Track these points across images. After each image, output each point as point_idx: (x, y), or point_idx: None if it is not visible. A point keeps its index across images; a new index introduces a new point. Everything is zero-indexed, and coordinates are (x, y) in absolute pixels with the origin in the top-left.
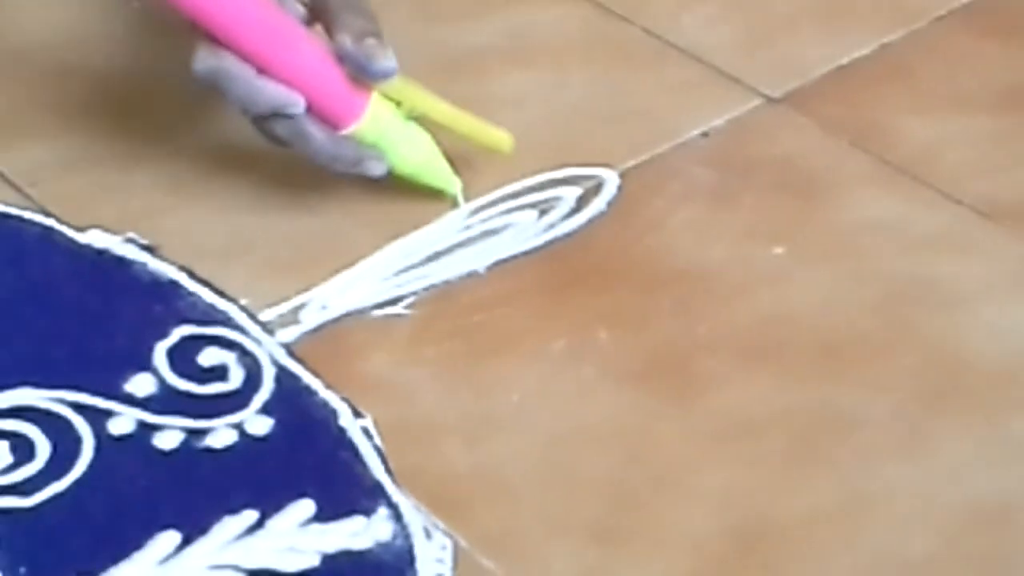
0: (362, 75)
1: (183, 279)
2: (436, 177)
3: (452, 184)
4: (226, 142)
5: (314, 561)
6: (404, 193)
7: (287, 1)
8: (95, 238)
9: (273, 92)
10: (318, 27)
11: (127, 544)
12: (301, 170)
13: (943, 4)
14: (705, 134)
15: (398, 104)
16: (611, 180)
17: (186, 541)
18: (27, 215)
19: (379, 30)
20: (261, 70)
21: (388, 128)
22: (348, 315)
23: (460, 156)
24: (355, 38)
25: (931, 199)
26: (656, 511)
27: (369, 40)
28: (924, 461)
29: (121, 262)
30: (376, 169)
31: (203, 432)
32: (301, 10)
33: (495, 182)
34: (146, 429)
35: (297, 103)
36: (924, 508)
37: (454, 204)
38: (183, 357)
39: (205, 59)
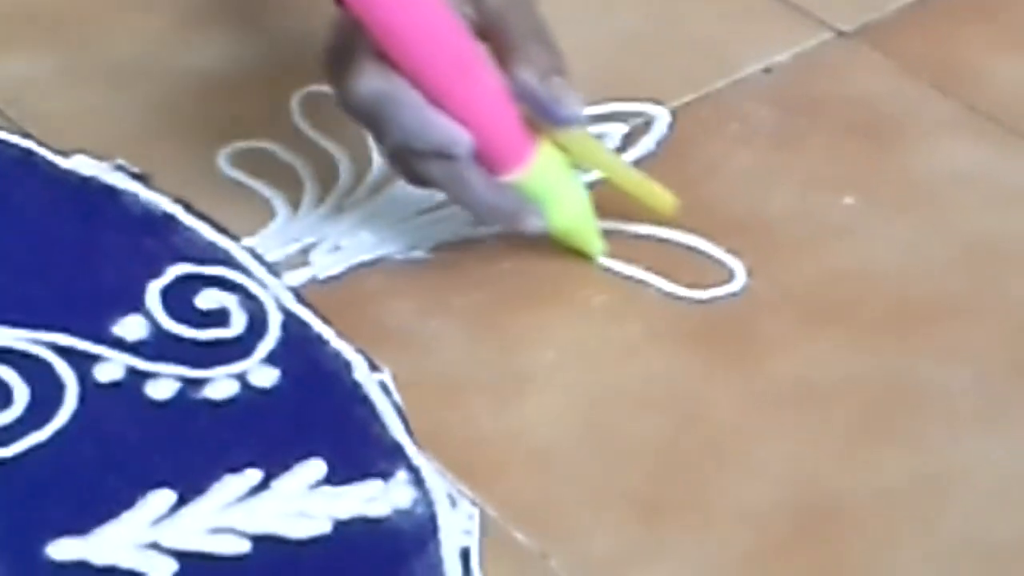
0: (545, 118)
1: (179, 212)
2: (584, 238)
3: (597, 246)
4: (230, 57)
5: (325, 527)
6: None
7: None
8: (80, 164)
9: (442, 128)
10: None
11: (116, 502)
12: (319, 99)
13: None
14: (768, 70)
15: (564, 153)
16: (661, 118)
17: (181, 501)
18: (3, 136)
19: (565, 66)
20: (432, 101)
21: (554, 179)
22: (364, 258)
23: None
24: (541, 75)
25: (1020, 148)
26: (707, 483)
27: (557, 79)
28: (1008, 436)
29: (109, 191)
30: (533, 225)
31: (201, 382)
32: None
33: None
34: (137, 377)
35: (464, 143)
36: (1008, 487)
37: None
38: (179, 298)
39: (373, 80)
